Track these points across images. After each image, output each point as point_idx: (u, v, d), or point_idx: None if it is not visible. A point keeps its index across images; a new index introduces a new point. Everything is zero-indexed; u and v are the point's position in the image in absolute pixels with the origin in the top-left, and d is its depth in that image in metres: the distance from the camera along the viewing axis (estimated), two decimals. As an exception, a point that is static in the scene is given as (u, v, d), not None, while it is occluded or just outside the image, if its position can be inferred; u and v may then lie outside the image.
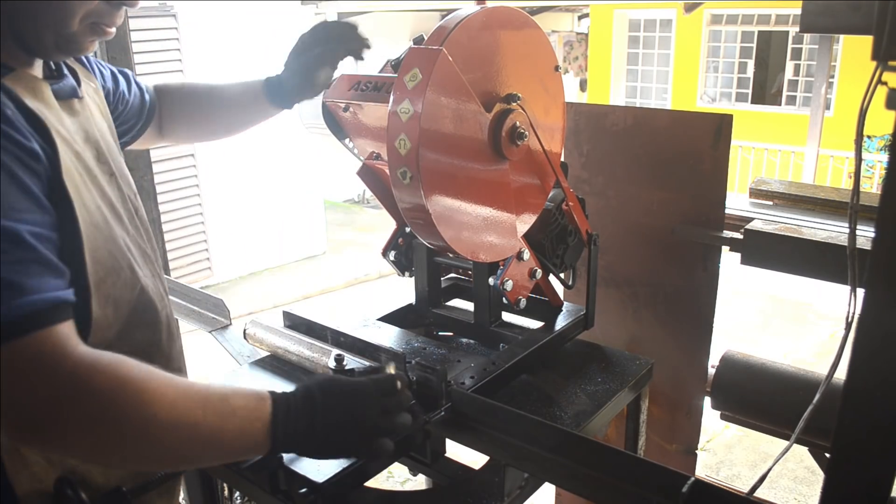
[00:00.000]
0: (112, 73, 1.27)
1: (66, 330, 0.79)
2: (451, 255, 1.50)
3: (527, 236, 1.41)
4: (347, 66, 1.34)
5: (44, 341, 0.75)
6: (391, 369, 1.14)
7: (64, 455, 0.91)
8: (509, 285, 1.39)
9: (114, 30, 0.96)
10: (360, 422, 0.96)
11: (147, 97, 1.34)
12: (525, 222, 1.38)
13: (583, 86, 12.47)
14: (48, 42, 0.91)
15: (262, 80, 1.35)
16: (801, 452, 2.07)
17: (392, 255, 1.54)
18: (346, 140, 1.44)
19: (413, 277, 1.59)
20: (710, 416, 2.01)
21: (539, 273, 1.46)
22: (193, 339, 2.57)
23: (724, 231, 1.81)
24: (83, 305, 0.88)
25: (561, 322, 1.53)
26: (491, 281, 1.40)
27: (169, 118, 1.40)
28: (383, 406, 0.99)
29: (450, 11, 1.56)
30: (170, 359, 1.09)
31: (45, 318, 0.76)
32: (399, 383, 1.02)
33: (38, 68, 0.95)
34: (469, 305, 1.57)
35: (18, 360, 0.74)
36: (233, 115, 1.42)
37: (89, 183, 0.94)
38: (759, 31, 10.24)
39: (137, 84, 1.34)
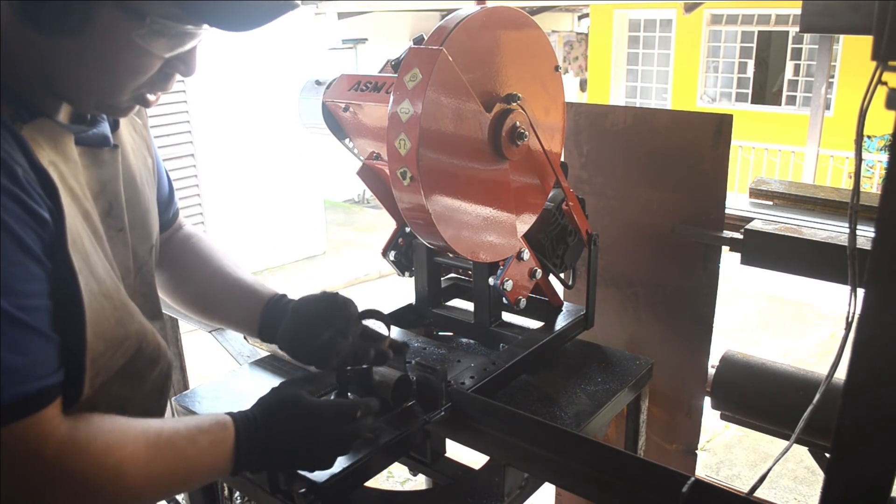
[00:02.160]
0: (169, 181, 1.22)
1: (50, 413, 0.78)
2: (451, 255, 1.50)
3: (527, 236, 1.41)
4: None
5: (26, 429, 0.75)
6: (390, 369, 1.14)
7: None
8: (509, 285, 1.39)
9: (156, 99, 0.90)
10: (315, 447, 0.98)
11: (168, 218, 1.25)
12: (525, 222, 1.38)
13: (583, 86, 12.47)
14: (89, 106, 0.87)
15: (260, 315, 1.19)
16: (801, 452, 2.07)
17: (392, 255, 1.54)
18: (346, 140, 1.44)
19: (413, 277, 1.59)
20: (710, 416, 2.01)
21: (539, 273, 1.46)
22: (193, 339, 2.57)
23: (724, 231, 1.81)
24: (75, 381, 0.85)
25: (561, 322, 1.53)
26: (491, 281, 1.40)
27: (161, 259, 1.21)
28: (339, 434, 0.99)
29: (450, 11, 1.56)
30: (147, 411, 1.01)
31: (30, 407, 0.75)
32: (359, 412, 1.02)
33: (65, 112, 0.89)
34: (469, 305, 1.57)
35: (4, 446, 0.74)
36: (217, 315, 1.26)
37: (97, 245, 0.88)
38: (759, 31, 10.24)
39: (175, 203, 1.26)
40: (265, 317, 1.19)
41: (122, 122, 1.01)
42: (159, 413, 1.02)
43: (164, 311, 1.15)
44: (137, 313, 0.95)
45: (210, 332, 1.71)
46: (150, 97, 0.89)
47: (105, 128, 0.94)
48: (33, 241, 0.76)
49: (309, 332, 1.14)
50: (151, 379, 1.00)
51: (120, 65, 0.82)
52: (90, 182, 0.91)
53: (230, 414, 0.95)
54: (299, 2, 0.88)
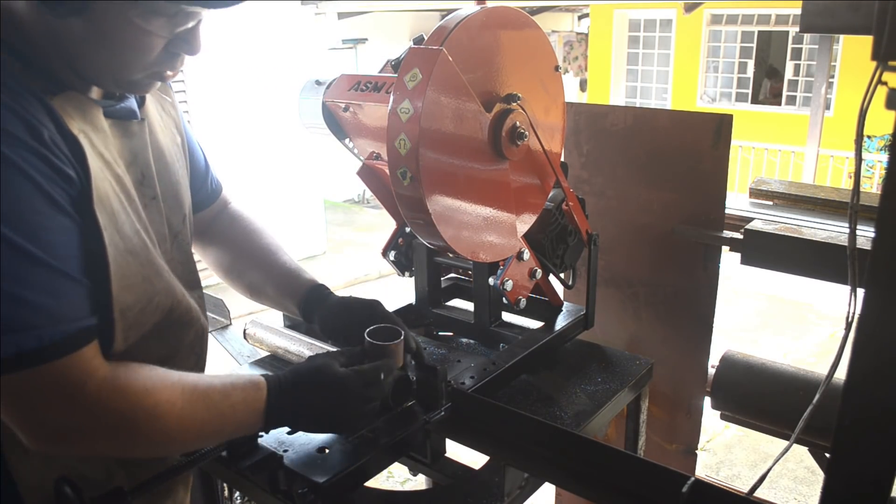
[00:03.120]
0: (204, 156, 1.28)
1: (89, 353, 0.83)
2: (451, 255, 1.50)
3: (527, 236, 1.41)
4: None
5: (68, 366, 0.81)
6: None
7: (85, 455, 0.98)
8: (509, 285, 1.39)
9: (173, 74, 0.95)
10: (343, 412, 1.05)
11: (209, 192, 1.34)
12: (525, 222, 1.38)
13: (583, 86, 12.46)
14: (108, 84, 0.91)
15: (303, 298, 1.29)
16: (801, 452, 2.08)
17: (392, 255, 1.54)
18: (346, 140, 1.44)
19: (413, 277, 1.59)
20: (710, 416, 2.01)
21: (539, 273, 1.45)
22: (193, 339, 2.57)
23: (724, 231, 1.81)
24: (106, 331, 0.89)
25: (561, 322, 1.53)
26: (491, 281, 1.40)
27: (210, 237, 1.38)
28: (364, 397, 1.05)
29: (450, 11, 1.56)
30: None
31: (69, 346, 0.81)
32: (382, 374, 1.08)
33: (96, 89, 0.94)
34: (469, 305, 1.57)
35: (45, 382, 0.79)
36: (263, 297, 1.37)
37: (128, 207, 0.93)
38: (759, 31, 10.24)
39: (213, 178, 1.34)
40: (304, 307, 1.28)
41: (150, 100, 1.06)
42: None
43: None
44: (166, 273, 1.00)
45: (210, 332, 1.71)
46: (169, 73, 0.93)
47: (132, 102, 0.99)
48: (61, 196, 0.81)
49: (342, 329, 1.24)
50: (187, 342, 1.06)
51: (123, 44, 0.85)
52: (122, 152, 0.96)
53: (264, 376, 1.01)
54: None
